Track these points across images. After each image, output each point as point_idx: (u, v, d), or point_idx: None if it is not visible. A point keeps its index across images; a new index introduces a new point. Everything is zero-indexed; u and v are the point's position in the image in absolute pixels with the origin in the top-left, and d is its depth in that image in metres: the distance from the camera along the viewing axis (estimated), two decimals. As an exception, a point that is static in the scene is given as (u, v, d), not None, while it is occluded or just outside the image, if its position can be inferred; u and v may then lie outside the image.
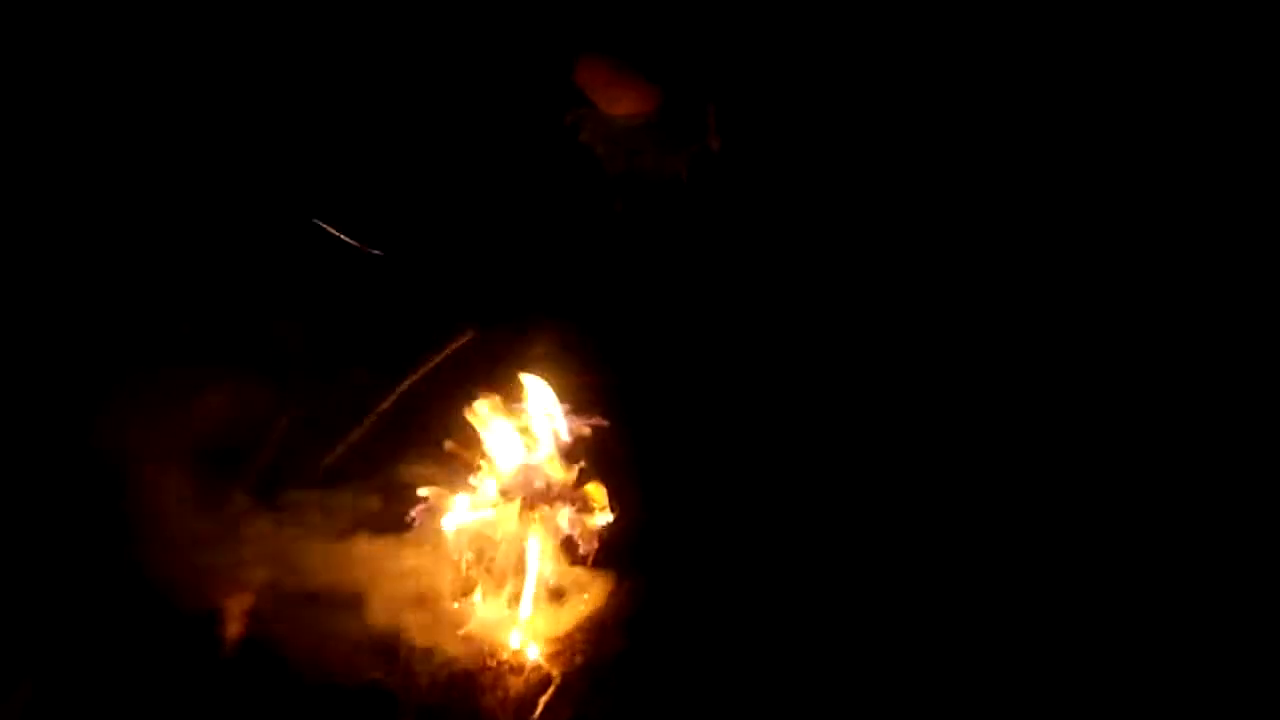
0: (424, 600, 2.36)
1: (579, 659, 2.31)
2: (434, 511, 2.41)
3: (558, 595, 2.39)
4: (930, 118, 2.61)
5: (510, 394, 2.43)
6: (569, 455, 2.42)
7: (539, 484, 2.39)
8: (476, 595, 2.38)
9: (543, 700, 2.24)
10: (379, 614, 2.32)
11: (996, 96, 2.61)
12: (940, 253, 2.62)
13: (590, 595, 2.37)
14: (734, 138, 2.56)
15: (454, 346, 2.52)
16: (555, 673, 2.29)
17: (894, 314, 2.60)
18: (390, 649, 2.30)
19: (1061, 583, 2.30)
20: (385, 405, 2.56)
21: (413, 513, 2.42)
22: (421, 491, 2.42)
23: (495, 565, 2.39)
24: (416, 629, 2.32)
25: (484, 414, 2.41)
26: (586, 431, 2.41)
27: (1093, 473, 2.42)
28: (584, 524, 2.38)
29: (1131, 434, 2.45)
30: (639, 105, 2.51)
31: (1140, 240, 2.58)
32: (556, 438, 2.41)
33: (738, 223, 2.64)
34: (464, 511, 2.40)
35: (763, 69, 2.58)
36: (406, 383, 2.57)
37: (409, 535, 2.41)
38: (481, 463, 2.44)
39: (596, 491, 2.40)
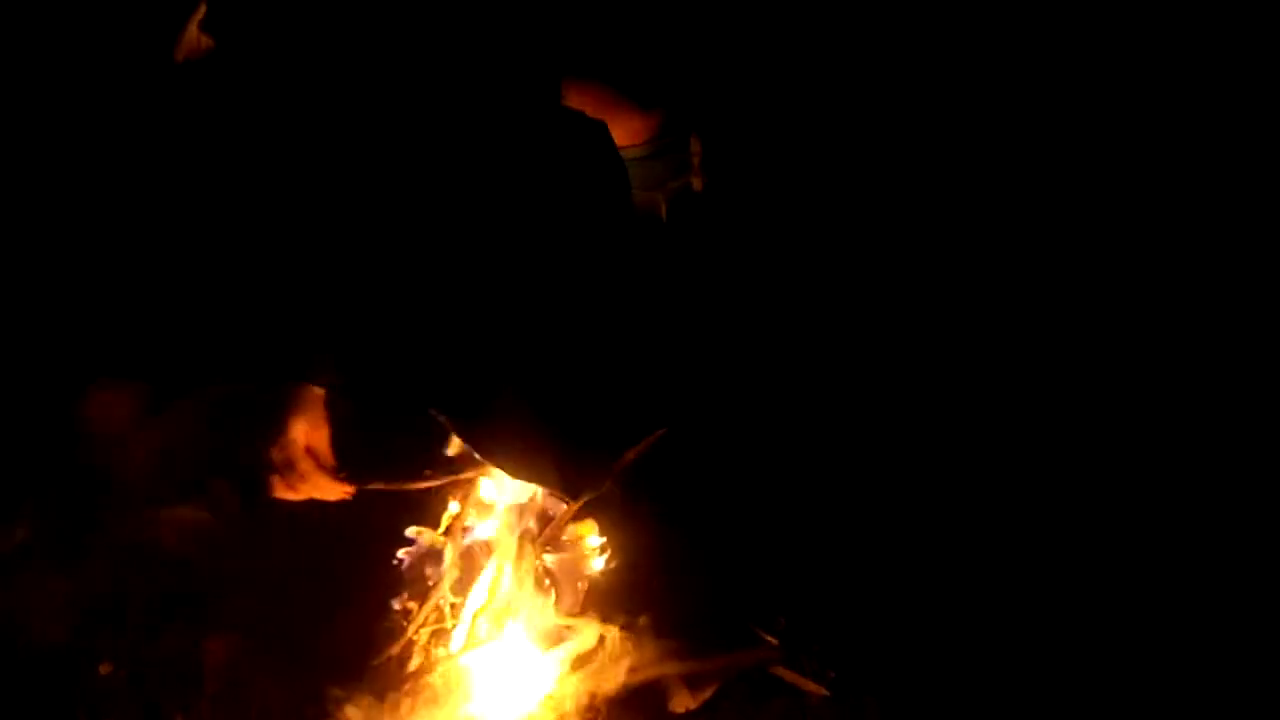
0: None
1: (571, 706, 2.25)
2: (421, 553, 2.36)
3: (545, 639, 2.33)
4: (926, 161, 2.62)
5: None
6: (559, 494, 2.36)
7: (528, 524, 2.34)
8: (460, 638, 2.33)
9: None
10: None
11: (992, 120, 2.62)
12: (938, 280, 2.61)
13: (579, 640, 2.32)
14: (718, 176, 2.54)
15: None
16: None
17: (888, 352, 2.59)
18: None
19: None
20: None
21: (400, 554, 2.37)
22: (409, 532, 2.37)
23: (480, 608, 2.34)
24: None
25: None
26: (579, 469, 2.36)
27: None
28: (574, 566, 2.34)
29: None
30: (627, 139, 2.47)
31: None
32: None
33: (716, 261, 2.62)
34: (450, 553, 2.35)
35: (752, 107, 2.57)
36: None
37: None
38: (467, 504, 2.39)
39: (587, 528, 2.36)
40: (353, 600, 2.40)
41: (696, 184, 2.49)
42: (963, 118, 2.64)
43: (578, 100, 2.42)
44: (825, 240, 2.61)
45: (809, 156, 2.61)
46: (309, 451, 2.24)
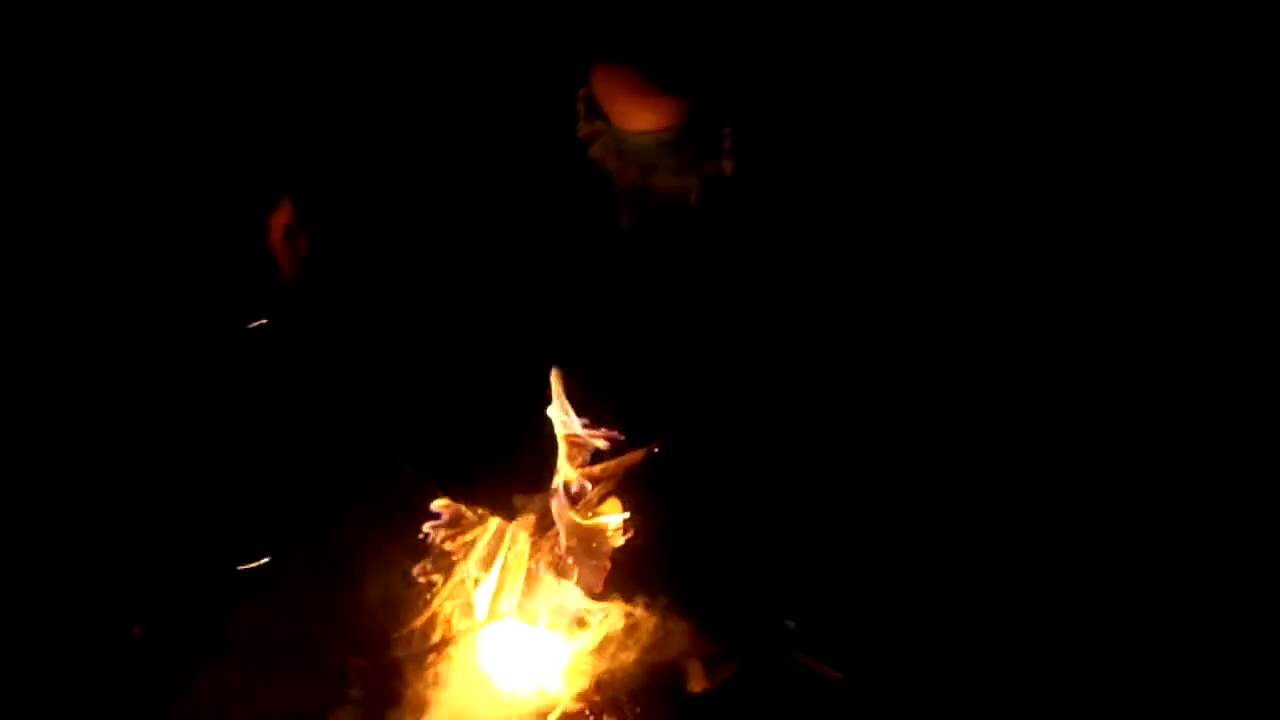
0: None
1: (590, 683, 2.27)
2: (447, 527, 2.39)
3: (566, 619, 2.35)
4: (952, 146, 2.60)
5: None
6: (583, 470, 2.38)
7: (551, 499, 2.36)
8: (483, 612, 2.36)
9: (551, 718, 2.21)
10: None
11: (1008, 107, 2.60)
12: (950, 279, 2.61)
13: (602, 619, 2.34)
14: (749, 162, 2.53)
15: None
16: (566, 696, 2.26)
17: (906, 344, 2.59)
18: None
19: (1062, 583, 2.30)
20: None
21: (426, 528, 2.39)
22: (435, 506, 2.40)
23: (501, 584, 2.37)
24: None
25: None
26: (603, 445, 2.38)
27: (1093, 473, 2.42)
28: (598, 544, 2.36)
29: (1131, 434, 2.45)
30: (657, 122, 2.45)
31: (1140, 240, 2.57)
32: (571, 450, 2.38)
33: (745, 246, 2.61)
34: (475, 527, 2.38)
35: (782, 92, 2.56)
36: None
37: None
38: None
39: (613, 508, 2.38)
40: (378, 571, 2.43)
41: (727, 168, 2.47)
42: (972, 109, 2.63)
43: (606, 84, 2.42)
44: (851, 226, 2.61)
45: (835, 143, 2.60)
46: None
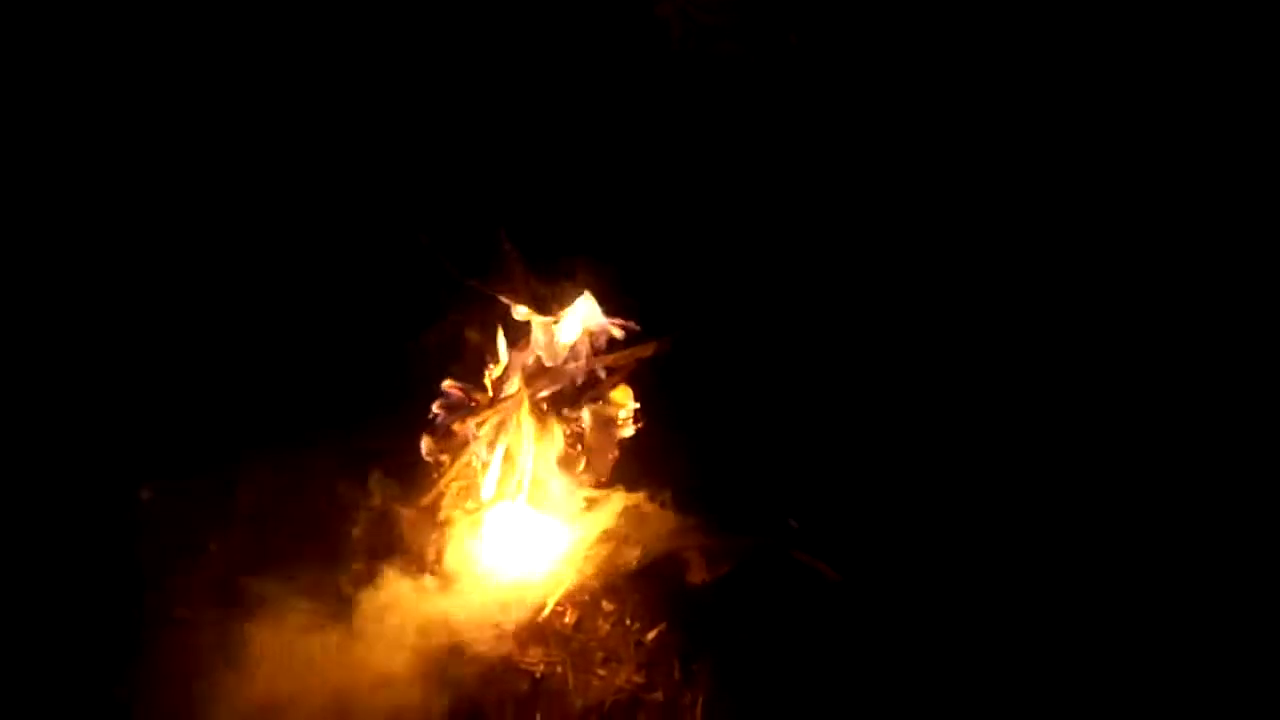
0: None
1: (591, 569, 2.29)
2: (456, 409, 2.39)
3: (571, 504, 2.37)
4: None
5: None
6: (599, 357, 2.39)
7: (562, 382, 2.36)
8: (486, 497, 2.36)
9: (549, 604, 2.22)
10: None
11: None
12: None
13: (607, 507, 2.36)
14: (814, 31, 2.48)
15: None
16: (565, 584, 2.27)
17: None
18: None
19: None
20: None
21: (435, 408, 2.40)
22: (445, 385, 2.40)
23: (508, 467, 2.38)
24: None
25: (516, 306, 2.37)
26: (619, 333, 2.37)
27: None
28: (607, 432, 2.36)
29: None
30: None
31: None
32: (588, 337, 2.38)
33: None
34: (483, 409, 2.39)
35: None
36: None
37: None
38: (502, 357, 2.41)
39: (623, 397, 2.38)
40: (385, 452, 2.44)
41: (793, 39, 2.44)
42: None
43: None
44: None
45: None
46: None
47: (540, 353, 2.37)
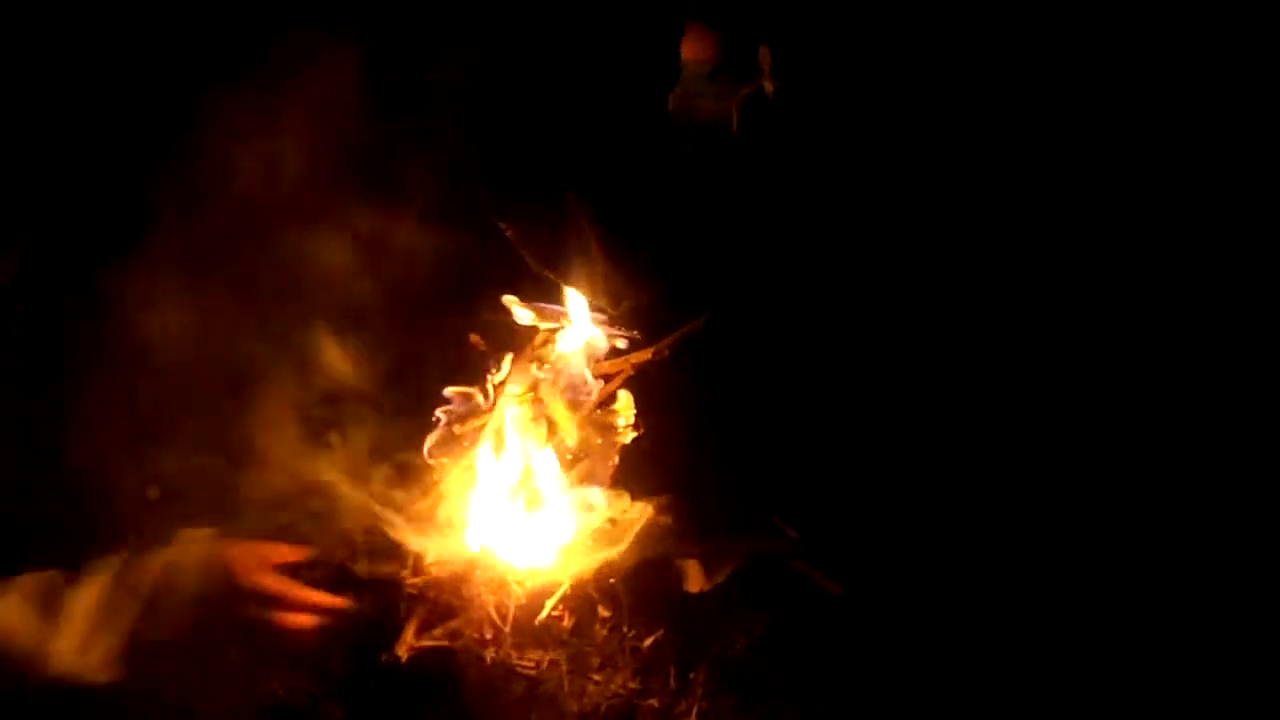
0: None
1: (587, 574, 2.28)
2: (457, 413, 2.41)
3: (570, 509, 2.36)
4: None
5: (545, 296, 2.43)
6: (595, 365, 2.41)
7: (563, 388, 2.37)
8: (486, 500, 2.36)
9: (547, 608, 2.21)
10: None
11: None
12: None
13: (605, 512, 2.35)
14: (788, 84, 2.56)
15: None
16: (562, 588, 2.25)
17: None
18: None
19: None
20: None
21: (438, 412, 2.41)
22: (448, 392, 2.42)
23: (507, 474, 2.38)
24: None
25: (515, 312, 2.39)
26: (622, 344, 2.39)
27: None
28: (607, 438, 2.37)
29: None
30: (698, 53, 2.51)
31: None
32: (589, 344, 2.40)
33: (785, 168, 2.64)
34: (485, 414, 2.40)
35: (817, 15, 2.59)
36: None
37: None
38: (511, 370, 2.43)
39: (624, 404, 2.39)
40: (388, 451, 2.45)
41: (768, 88, 2.52)
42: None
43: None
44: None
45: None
46: None
47: (542, 359, 2.39)
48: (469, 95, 2.59)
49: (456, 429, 2.39)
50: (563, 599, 2.23)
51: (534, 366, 2.40)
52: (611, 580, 2.27)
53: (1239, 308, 2.53)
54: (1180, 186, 2.59)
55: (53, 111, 2.53)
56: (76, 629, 1.83)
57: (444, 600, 2.21)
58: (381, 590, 2.24)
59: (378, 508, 2.33)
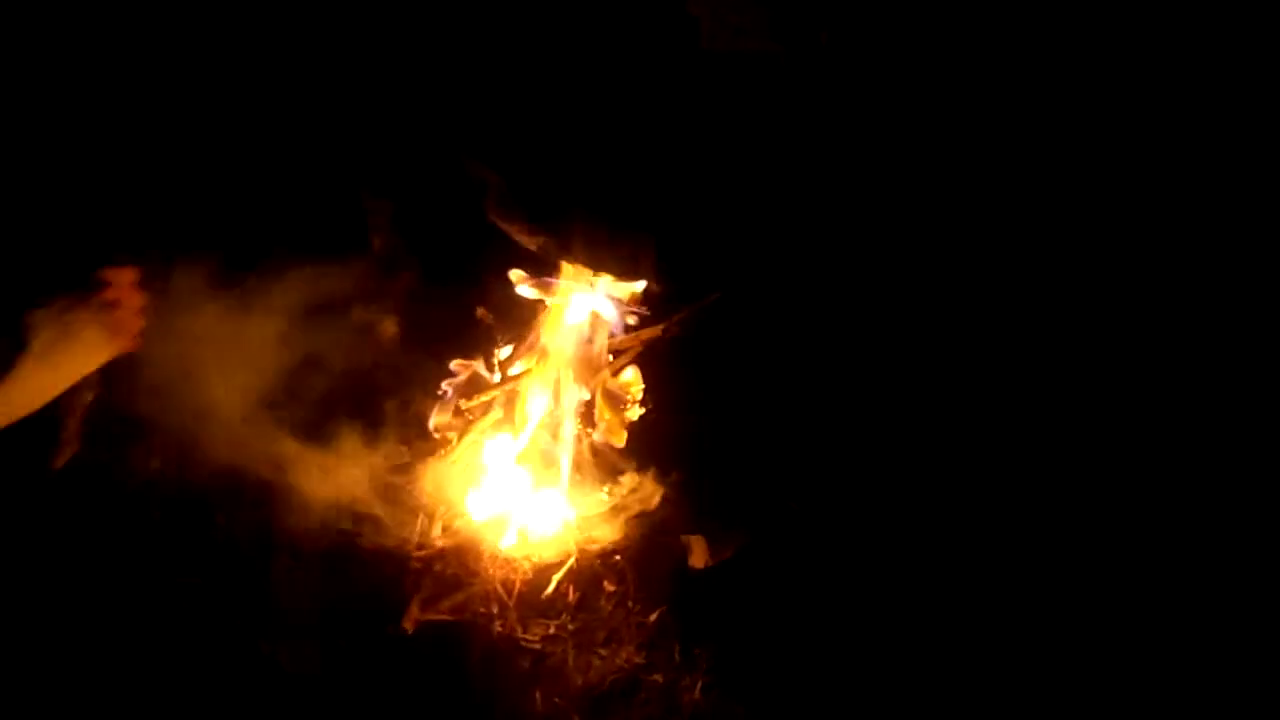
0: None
1: (593, 548, 2.30)
2: (464, 386, 2.41)
3: (577, 483, 2.38)
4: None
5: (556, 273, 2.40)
6: (610, 342, 2.40)
7: (572, 363, 2.37)
8: (492, 474, 2.37)
9: (553, 582, 2.23)
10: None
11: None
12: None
13: (613, 487, 2.38)
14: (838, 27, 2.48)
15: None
16: (569, 562, 2.27)
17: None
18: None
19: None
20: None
21: (444, 385, 2.41)
22: (453, 365, 2.42)
23: (514, 448, 2.39)
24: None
25: (523, 287, 2.37)
26: (632, 320, 2.38)
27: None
28: (616, 413, 2.37)
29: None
30: None
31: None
32: (598, 319, 2.38)
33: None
34: (492, 389, 2.40)
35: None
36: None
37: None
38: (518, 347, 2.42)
39: (633, 380, 2.39)
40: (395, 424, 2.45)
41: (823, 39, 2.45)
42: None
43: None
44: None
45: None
46: None
47: (550, 333, 2.38)
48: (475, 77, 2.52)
49: (462, 403, 2.39)
50: (568, 573, 2.25)
51: (541, 342, 2.39)
52: (617, 556, 2.28)
53: (1239, 308, 2.52)
54: (1180, 186, 2.58)
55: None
56: None
57: (450, 573, 2.24)
58: (388, 562, 2.26)
59: (384, 479, 2.35)
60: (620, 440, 2.38)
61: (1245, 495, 2.36)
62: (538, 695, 2.12)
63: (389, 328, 2.58)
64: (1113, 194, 2.62)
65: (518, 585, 2.23)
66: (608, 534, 2.30)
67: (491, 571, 2.25)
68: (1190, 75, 2.55)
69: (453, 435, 2.40)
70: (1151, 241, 2.58)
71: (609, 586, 2.26)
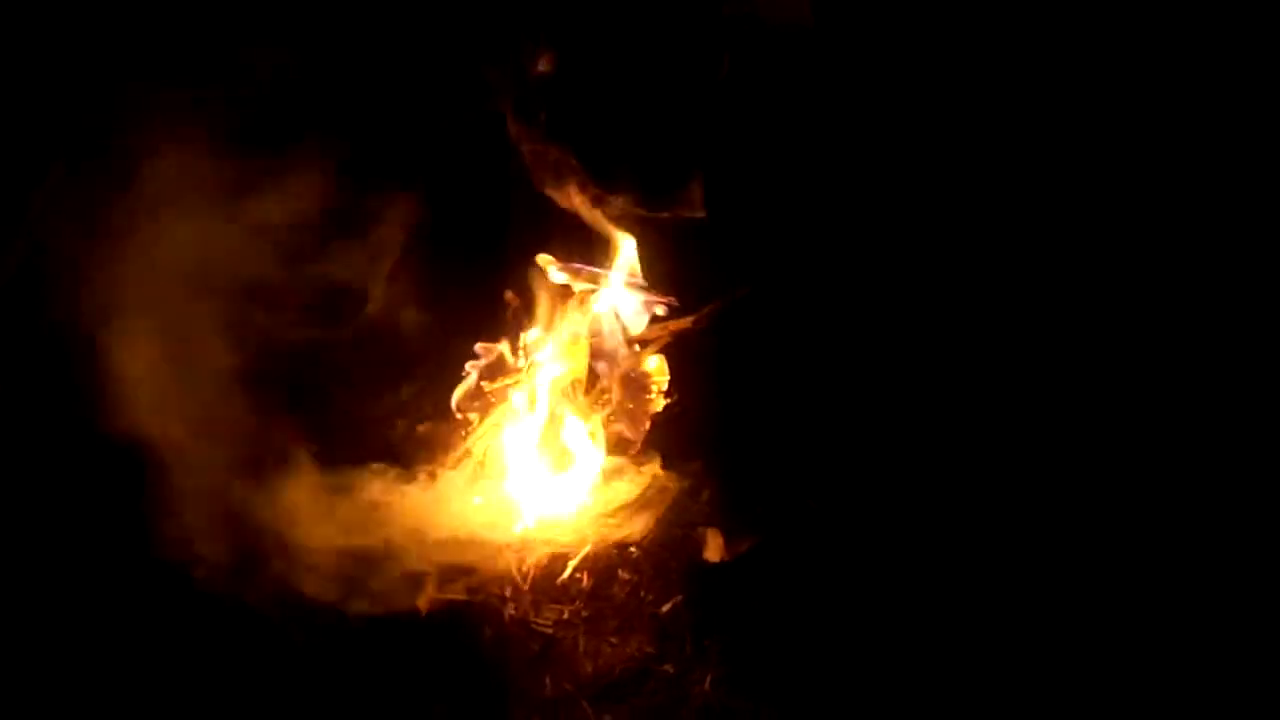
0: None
1: (611, 537, 2.29)
2: (488, 369, 2.41)
3: (598, 471, 2.38)
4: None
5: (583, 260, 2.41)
6: (636, 330, 2.40)
7: (598, 351, 2.38)
8: (512, 457, 2.37)
9: (569, 568, 2.24)
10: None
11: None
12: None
13: (633, 477, 2.37)
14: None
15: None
16: (585, 549, 2.27)
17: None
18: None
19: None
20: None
21: (468, 366, 2.41)
22: (478, 348, 2.42)
23: (536, 433, 2.39)
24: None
25: (551, 272, 2.37)
26: (660, 311, 2.38)
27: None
28: (640, 403, 2.37)
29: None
30: None
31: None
32: (625, 308, 2.39)
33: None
34: (515, 372, 2.40)
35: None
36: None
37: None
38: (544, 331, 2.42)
39: (659, 370, 2.39)
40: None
41: None
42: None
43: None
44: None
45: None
46: None
47: (577, 320, 2.38)
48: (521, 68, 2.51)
49: (485, 385, 2.39)
50: (584, 560, 2.25)
51: (568, 327, 2.39)
52: (633, 546, 2.28)
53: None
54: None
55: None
56: None
57: (466, 555, 2.24)
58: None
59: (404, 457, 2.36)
60: (643, 430, 2.37)
61: (1245, 495, 2.36)
62: (547, 679, 2.13)
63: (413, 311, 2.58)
64: (1134, 191, 2.61)
65: (532, 570, 2.24)
66: (625, 523, 2.30)
67: (507, 555, 2.26)
68: (1190, 72, 2.54)
69: (474, 416, 2.40)
70: (1165, 239, 2.57)
71: (623, 575, 2.26)
